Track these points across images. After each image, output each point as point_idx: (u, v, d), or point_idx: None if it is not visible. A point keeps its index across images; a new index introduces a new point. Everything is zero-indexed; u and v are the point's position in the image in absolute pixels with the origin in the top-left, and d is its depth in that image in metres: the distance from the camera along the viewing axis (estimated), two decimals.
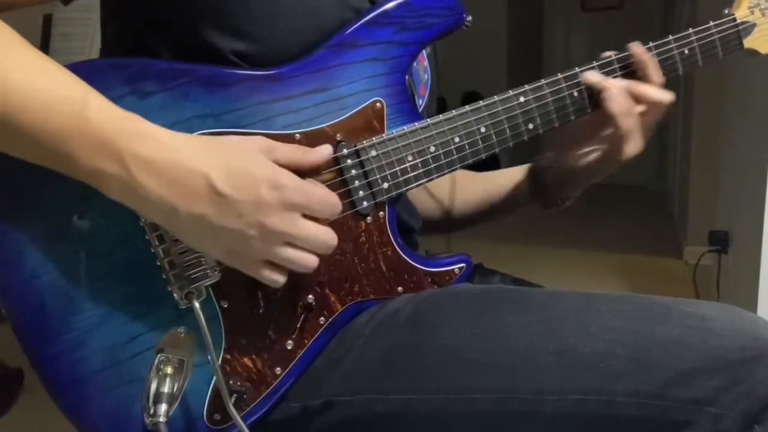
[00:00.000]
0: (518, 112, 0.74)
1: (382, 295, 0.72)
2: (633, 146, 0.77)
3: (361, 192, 0.69)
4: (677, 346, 0.61)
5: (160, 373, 0.64)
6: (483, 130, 0.73)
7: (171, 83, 0.63)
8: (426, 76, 0.84)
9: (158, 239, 0.64)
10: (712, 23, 0.79)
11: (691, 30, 0.78)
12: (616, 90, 0.74)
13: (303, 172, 0.63)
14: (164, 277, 0.65)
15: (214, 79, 0.64)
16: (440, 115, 0.71)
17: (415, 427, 0.67)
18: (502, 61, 5.15)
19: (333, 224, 0.63)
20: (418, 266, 0.73)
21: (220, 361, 0.66)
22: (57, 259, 0.63)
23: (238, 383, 0.67)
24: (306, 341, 0.69)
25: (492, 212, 0.94)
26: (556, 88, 0.75)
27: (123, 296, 0.64)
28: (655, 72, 0.76)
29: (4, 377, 2.19)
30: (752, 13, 0.80)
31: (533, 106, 0.74)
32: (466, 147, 0.72)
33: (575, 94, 0.76)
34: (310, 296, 0.69)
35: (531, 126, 0.75)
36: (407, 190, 0.71)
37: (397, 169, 0.70)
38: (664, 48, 0.78)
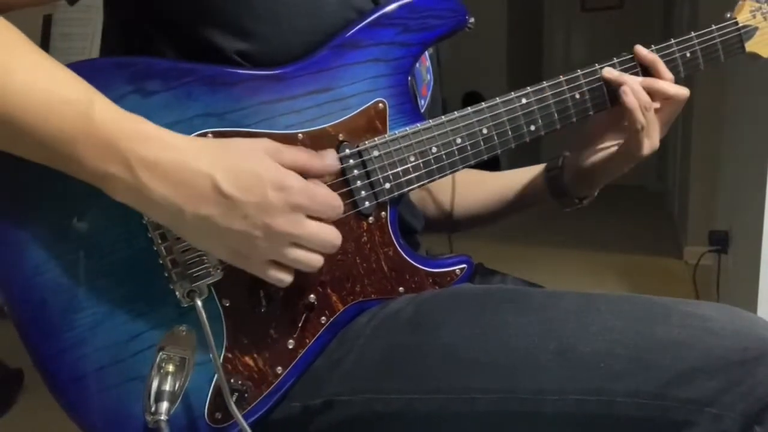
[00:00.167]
0: (520, 113, 0.74)
1: (384, 296, 0.72)
2: (649, 142, 0.78)
3: (363, 192, 0.69)
4: (677, 346, 0.61)
5: (162, 371, 0.64)
6: (485, 131, 0.73)
7: (173, 83, 0.64)
8: (428, 76, 0.84)
9: (160, 237, 0.64)
10: (714, 27, 0.80)
11: (693, 33, 0.79)
12: (634, 84, 0.75)
13: (306, 175, 0.63)
14: (166, 275, 0.65)
15: (216, 79, 0.64)
16: (442, 116, 0.72)
17: (415, 427, 0.67)
18: (502, 61, 5.15)
19: (335, 224, 0.63)
20: (420, 267, 0.73)
21: (221, 360, 0.66)
22: (59, 256, 0.63)
23: (240, 382, 0.67)
24: (307, 341, 0.69)
25: (501, 213, 0.94)
26: (558, 90, 0.75)
27: (125, 294, 0.64)
28: (664, 69, 0.77)
29: (4, 377, 2.19)
30: (754, 17, 0.80)
31: (535, 107, 0.74)
32: (468, 148, 0.72)
33: (577, 96, 0.76)
34: (312, 296, 0.69)
35: (533, 127, 0.75)
36: (409, 190, 0.71)
37: (399, 169, 0.70)
38: (666, 51, 0.78)
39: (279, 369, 0.68)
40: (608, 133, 0.82)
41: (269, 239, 0.59)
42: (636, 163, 0.80)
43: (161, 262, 0.64)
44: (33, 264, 0.62)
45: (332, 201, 0.62)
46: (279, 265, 0.62)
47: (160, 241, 0.64)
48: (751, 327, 0.62)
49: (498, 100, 0.73)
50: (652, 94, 0.76)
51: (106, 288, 0.64)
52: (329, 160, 0.65)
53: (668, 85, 0.77)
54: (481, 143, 0.73)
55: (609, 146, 0.82)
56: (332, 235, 0.62)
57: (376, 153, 0.69)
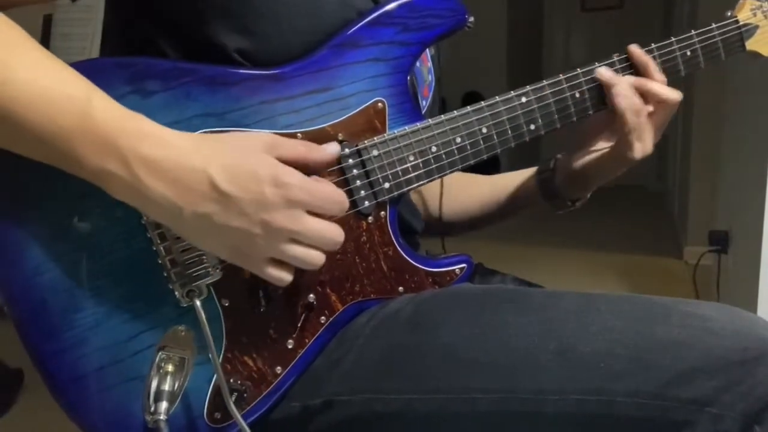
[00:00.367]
0: (520, 112, 0.74)
1: (383, 295, 0.72)
2: (642, 146, 0.77)
3: (362, 192, 0.69)
4: (677, 346, 0.61)
5: (161, 371, 0.65)
6: (485, 130, 0.73)
7: (173, 83, 0.64)
8: (430, 77, 0.84)
9: (159, 237, 0.64)
10: (714, 25, 0.79)
11: (693, 32, 0.79)
12: (625, 86, 0.75)
13: (309, 169, 0.63)
14: (165, 275, 0.65)
15: (216, 79, 0.64)
16: (442, 115, 0.72)
17: (415, 427, 0.67)
18: (502, 61, 5.15)
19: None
20: (420, 266, 0.73)
21: (220, 360, 0.66)
22: (59, 256, 0.63)
23: (239, 382, 0.67)
24: (306, 340, 0.69)
25: (493, 216, 0.94)
26: (558, 89, 0.75)
27: (124, 294, 0.64)
28: (656, 72, 0.76)
29: (4, 377, 2.19)
30: (755, 15, 0.80)
31: (535, 106, 0.74)
32: (468, 147, 0.72)
33: (577, 95, 0.76)
34: (311, 295, 0.69)
35: (533, 126, 0.75)
36: (409, 190, 0.71)
37: (399, 168, 0.70)
38: (667, 49, 0.78)
39: (278, 369, 0.68)
40: (601, 135, 0.82)
41: (268, 236, 0.59)
42: (628, 166, 0.79)
43: (160, 261, 0.64)
44: (33, 264, 0.62)
45: (335, 196, 0.62)
46: (279, 263, 0.62)
47: (159, 241, 0.64)
48: (751, 327, 0.62)
49: (498, 99, 0.73)
50: (645, 96, 0.76)
51: (106, 288, 0.64)
52: (329, 149, 0.65)
53: (660, 86, 0.76)
54: (481, 142, 0.73)
55: (601, 148, 0.82)
56: (333, 232, 0.62)
57: (375, 152, 0.69)
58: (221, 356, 0.67)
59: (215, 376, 0.66)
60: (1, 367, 2.23)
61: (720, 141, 2.75)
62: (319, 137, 0.67)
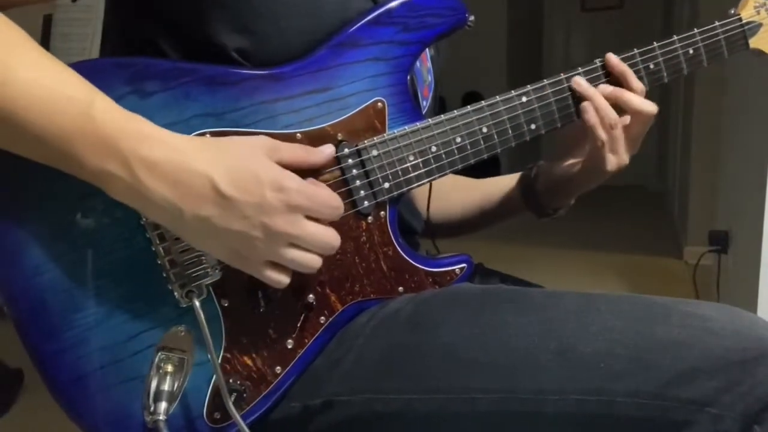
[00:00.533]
0: (520, 112, 0.74)
1: (383, 295, 0.72)
2: (616, 159, 0.77)
3: (362, 192, 0.69)
4: (677, 347, 0.61)
5: (161, 371, 0.65)
6: (485, 130, 0.73)
7: (172, 83, 0.63)
8: (429, 77, 0.84)
9: (159, 237, 0.64)
10: (717, 23, 0.79)
11: (696, 30, 0.78)
12: (598, 100, 0.74)
13: (305, 171, 0.63)
14: (165, 275, 0.65)
15: (215, 79, 0.64)
16: (442, 115, 0.71)
17: (415, 427, 0.67)
18: (502, 61, 5.15)
19: (334, 224, 0.63)
20: (419, 266, 0.73)
21: (220, 360, 0.66)
22: (58, 257, 0.63)
23: (238, 382, 0.67)
24: (306, 340, 0.69)
25: (480, 220, 0.94)
26: (559, 88, 0.75)
27: (124, 294, 0.64)
28: (634, 81, 0.76)
29: (4, 377, 2.19)
30: (758, 12, 0.80)
31: (536, 106, 0.74)
32: (468, 147, 0.72)
33: (577, 94, 0.76)
34: (311, 296, 0.69)
35: (533, 126, 0.75)
36: (408, 189, 0.71)
37: (398, 168, 0.70)
38: (669, 48, 0.78)
39: (278, 369, 0.68)
40: (581, 143, 0.81)
41: (268, 239, 0.59)
42: (605, 177, 0.79)
43: (160, 262, 0.64)
44: (33, 264, 0.62)
45: (332, 202, 0.62)
46: (277, 266, 0.62)
47: (158, 242, 0.64)
48: (751, 327, 0.62)
49: (498, 98, 0.73)
50: (620, 106, 0.75)
51: (106, 288, 0.64)
52: (325, 151, 0.65)
53: (635, 98, 0.75)
54: (481, 142, 0.73)
55: (580, 157, 0.82)
56: (330, 237, 0.62)
57: (375, 152, 0.69)
58: (220, 356, 0.67)
59: (214, 376, 0.66)
60: (1, 367, 2.23)
61: (720, 141, 2.75)
62: (319, 137, 0.67)
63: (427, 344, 0.67)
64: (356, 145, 0.68)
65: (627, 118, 0.77)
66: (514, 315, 0.66)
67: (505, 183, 0.92)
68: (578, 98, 0.76)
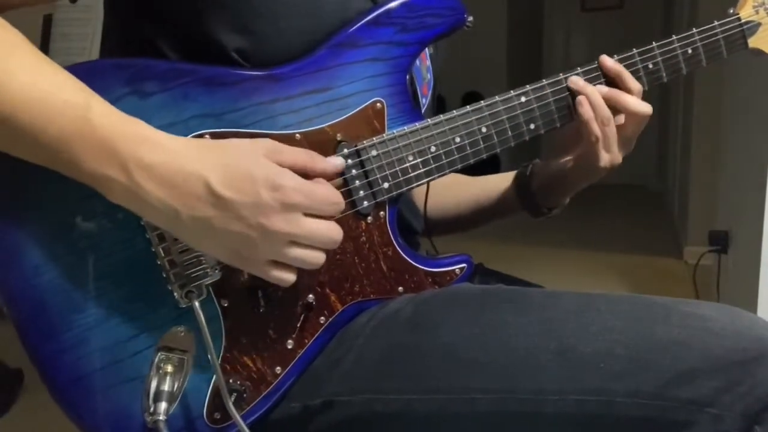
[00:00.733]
0: (519, 112, 0.74)
1: (383, 295, 0.72)
2: (609, 156, 0.77)
3: (361, 192, 0.69)
4: (677, 347, 0.61)
5: (161, 371, 0.64)
6: (484, 129, 0.73)
7: (170, 83, 0.63)
8: (429, 76, 0.84)
9: (158, 238, 0.64)
10: (716, 23, 0.79)
11: (694, 30, 0.78)
12: (593, 96, 0.74)
13: (307, 177, 0.63)
14: (164, 276, 0.65)
15: (214, 79, 0.64)
16: (441, 115, 0.71)
17: (414, 427, 0.67)
18: (502, 61, 5.15)
19: None
20: (419, 266, 0.73)
21: (220, 360, 0.66)
22: (58, 257, 0.63)
23: (238, 382, 0.67)
24: (306, 341, 0.69)
25: (476, 218, 0.94)
26: (558, 88, 0.75)
27: (123, 295, 0.64)
28: (630, 81, 0.76)
29: (4, 377, 2.19)
30: (757, 12, 0.80)
31: (535, 106, 0.74)
32: (467, 147, 0.72)
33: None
34: (311, 296, 0.69)
35: (533, 126, 0.75)
36: (408, 189, 0.71)
37: (398, 168, 0.70)
38: (668, 48, 0.78)
39: (278, 369, 0.68)
40: (576, 141, 0.81)
41: (267, 239, 0.59)
42: (599, 176, 0.79)
43: (159, 262, 0.64)
44: (32, 265, 0.62)
45: (331, 198, 0.62)
46: (280, 264, 0.61)
47: (158, 242, 0.64)
48: (751, 327, 0.62)
49: (497, 98, 0.73)
50: (615, 107, 0.75)
51: (105, 289, 0.64)
52: (333, 161, 0.65)
53: (630, 98, 0.75)
54: (480, 142, 0.73)
55: (574, 156, 0.82)
56: (332, 231, 0.62)
57: (374, 153, 0.69)
58: (220, 357, 0.67)
59: (214, 376, 0.66)
60: (1, 367, 2.23)
61: (720, 141, 2.75)
62: (318, 137, 0.67)
63: (427, 344, 0.67)
64: (355, 146, 0.68)
65: (621, 118, 0.77)
66: (514, 315, 0.66)
67: (500, 181, 0.92)
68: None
